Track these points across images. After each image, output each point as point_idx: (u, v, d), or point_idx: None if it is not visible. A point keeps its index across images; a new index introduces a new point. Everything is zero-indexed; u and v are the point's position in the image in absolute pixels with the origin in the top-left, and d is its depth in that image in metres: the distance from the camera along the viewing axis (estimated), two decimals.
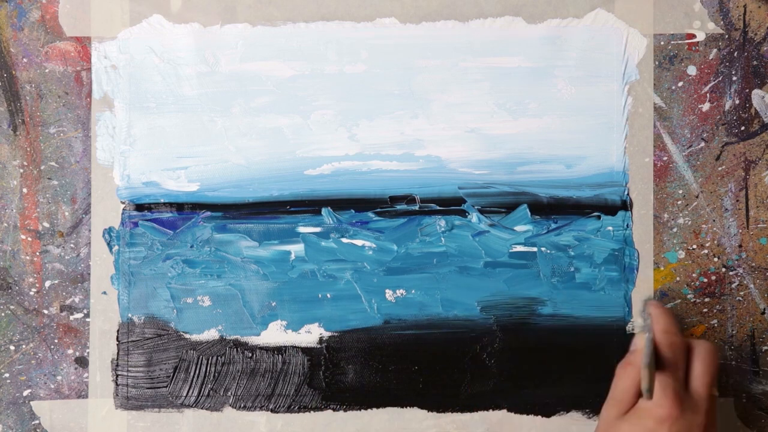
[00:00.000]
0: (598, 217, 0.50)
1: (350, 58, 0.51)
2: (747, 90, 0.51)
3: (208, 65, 0.50)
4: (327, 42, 0.50)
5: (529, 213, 0.50)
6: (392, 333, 0.50)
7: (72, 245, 0.50)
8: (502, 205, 0.51)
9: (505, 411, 0.50)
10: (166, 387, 0.50)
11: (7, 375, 0.50)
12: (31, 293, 0.50)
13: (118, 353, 0.50)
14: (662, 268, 0.51)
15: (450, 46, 0.50)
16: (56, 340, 0.50)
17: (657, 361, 0.40)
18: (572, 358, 0.50)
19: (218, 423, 0.50)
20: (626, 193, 0.51)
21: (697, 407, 0.40)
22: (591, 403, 0.50)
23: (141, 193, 0.50)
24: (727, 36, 0.51)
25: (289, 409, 0.50)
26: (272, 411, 0.50)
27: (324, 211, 0.50)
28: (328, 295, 0.51)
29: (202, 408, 0.50)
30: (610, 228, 0.50)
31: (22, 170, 0.50)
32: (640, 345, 0.42)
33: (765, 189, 0.51)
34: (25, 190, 0.50)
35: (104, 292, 0.50)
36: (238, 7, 0.50)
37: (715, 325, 0.51)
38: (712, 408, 0.41)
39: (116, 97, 0.50)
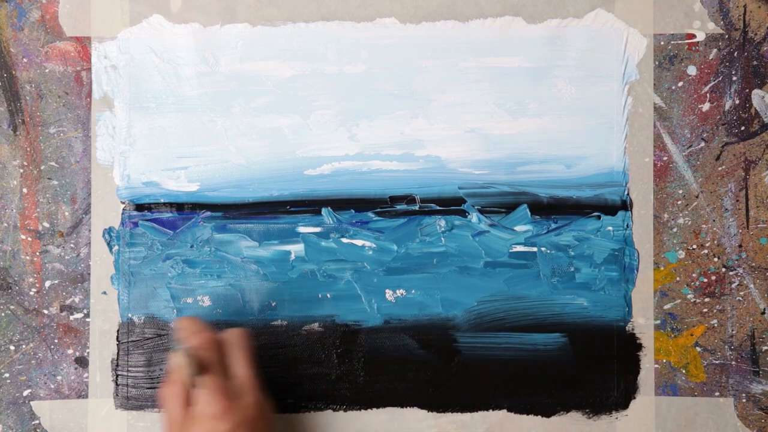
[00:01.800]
0: (598, 217, 0.50)
1: (350, 58, 0.51)
2: (747, 90, 0.51)
3: (208, 65, 0.50)
4: (327, 42, 0.50)
5: (529, 213, 0.50)
6: (392, 333, 0.50)
7: (72, 245, 0.50)
8: (502, 205, 0.51)
9: (505, 411, 0.50)
10: None
11: (7, 375, 0.50)
12: (31, 293, 0.50)
13: (118, 353, 0.50)
14: (662, 268, 0.51)
15: (450, 46, 0.50)
16: (56, 340, 0.50)
17: (201, 365, 0.41)
18: (572, 358, 0.50)
19: None
20: (626, 193, 0.51)
21: (246, 389, 0.42)
22: (591, 403, 0.50)
23: (141, 193, 0.50)
24: (727, 36, 0.51)
25: (289, 409, 0.50)
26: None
27: (324, 211, 0.50)
28: (328, 295, 0.51)
29: None
30: (610, 228, 0.50)
31: (22, 170, 0.50)
32: (176, 362, 0.42)
33: (765, 189, 0.51)
34: (25, 190, 0.50)
35: (104, 292, 0.50)
36: (238, 7, 0.50)
37: (715, 325, 0.51)
38: (257, 385, 0.43)
39: (116, 97, 0.50)
